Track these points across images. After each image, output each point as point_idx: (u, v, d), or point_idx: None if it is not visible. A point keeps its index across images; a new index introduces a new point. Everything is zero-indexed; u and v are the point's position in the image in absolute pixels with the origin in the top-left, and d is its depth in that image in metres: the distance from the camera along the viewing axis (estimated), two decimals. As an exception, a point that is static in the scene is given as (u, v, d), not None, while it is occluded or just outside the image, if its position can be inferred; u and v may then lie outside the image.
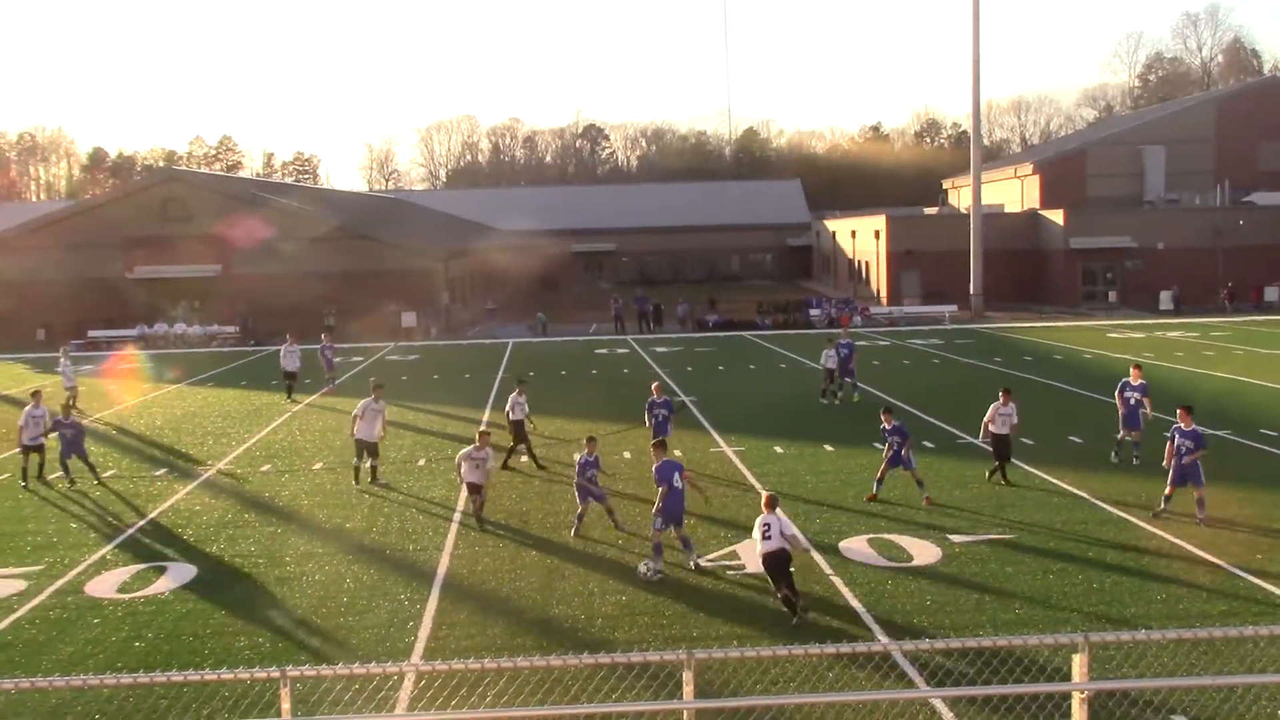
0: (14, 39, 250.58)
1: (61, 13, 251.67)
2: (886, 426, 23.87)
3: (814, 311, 71.20)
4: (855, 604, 17.14)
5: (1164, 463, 21.86)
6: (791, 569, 16.58)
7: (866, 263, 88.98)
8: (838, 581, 18.19)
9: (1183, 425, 21.44)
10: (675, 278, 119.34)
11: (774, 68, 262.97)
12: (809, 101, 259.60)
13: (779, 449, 29.09)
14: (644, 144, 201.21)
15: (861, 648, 13.65)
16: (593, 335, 65.91)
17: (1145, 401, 26.62)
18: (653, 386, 28.56)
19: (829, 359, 37.29)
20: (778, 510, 16.89)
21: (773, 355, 52.13)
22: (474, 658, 14.56)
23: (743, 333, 64.81)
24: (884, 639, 15.64)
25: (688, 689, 11.72)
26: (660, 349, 56.42)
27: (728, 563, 19.37)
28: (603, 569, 19.25)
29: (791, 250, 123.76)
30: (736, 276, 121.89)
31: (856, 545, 20.17)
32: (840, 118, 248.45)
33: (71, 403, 36.99)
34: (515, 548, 20.68)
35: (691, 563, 19.12)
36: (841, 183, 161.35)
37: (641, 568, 18.90)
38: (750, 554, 19.65)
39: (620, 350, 56.58)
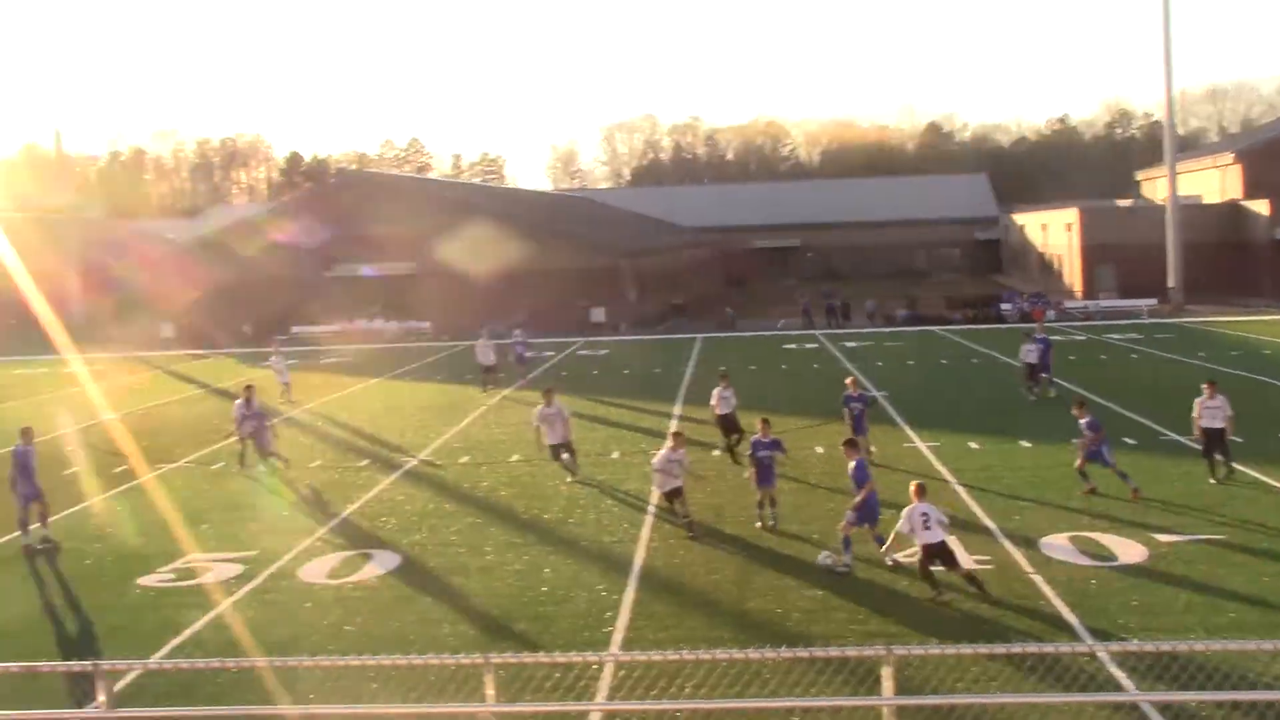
0: (216, 50, 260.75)
1: (256, 25, 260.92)
2: (1082, 420, 23.39)
3: (1005, 306, 69.73)
4: (1057, 603, 16.76)
5: None
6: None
7: (1058, 256, 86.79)
8: (1038, 580, 17.82)
9: None
10: (861, 273, 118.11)
11: (957, 60, 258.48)
12: (993, 94, 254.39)
13: (974, 445, 28.62)
14: (824, 140, 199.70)
15: (1066, 648, 13.40)
16: (780, 330, 65.69)
17: None
18: (847, 381, 28.31)
19: (1028, 354, 36.46)
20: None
21: (964, 350, 51.27)
22: (672, 649, 14.72)
23: (933, 328, 63.83)
24: (1089, 640, 15.27)
25: (887, 685, 11.66)
26: (850, 344, 55.96)
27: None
28: (798, 563, 19.20)
29: (979, 244, 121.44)
30: (923, 272, 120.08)
31: (1058, 543, 19.72)
32: (1026, 110, 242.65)
33: (286, 396, 38.84)
34: (710, 541, 20.76)
35: (888, 560, 18.96)
36: (1029, 176, 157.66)
37: (822, 557, 19.04)
38: (955, 552, 19.43)
39: (809, 345, 56.29)
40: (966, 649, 12.30)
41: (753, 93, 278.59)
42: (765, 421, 22.29)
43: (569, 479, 25.94)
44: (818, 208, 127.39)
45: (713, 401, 27.84)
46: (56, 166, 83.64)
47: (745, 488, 24.66)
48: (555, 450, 26.08)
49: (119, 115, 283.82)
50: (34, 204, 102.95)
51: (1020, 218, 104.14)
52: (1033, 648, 12.45)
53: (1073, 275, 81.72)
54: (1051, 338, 39.86)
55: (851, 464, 19.56)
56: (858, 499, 18.97)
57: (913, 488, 17.51)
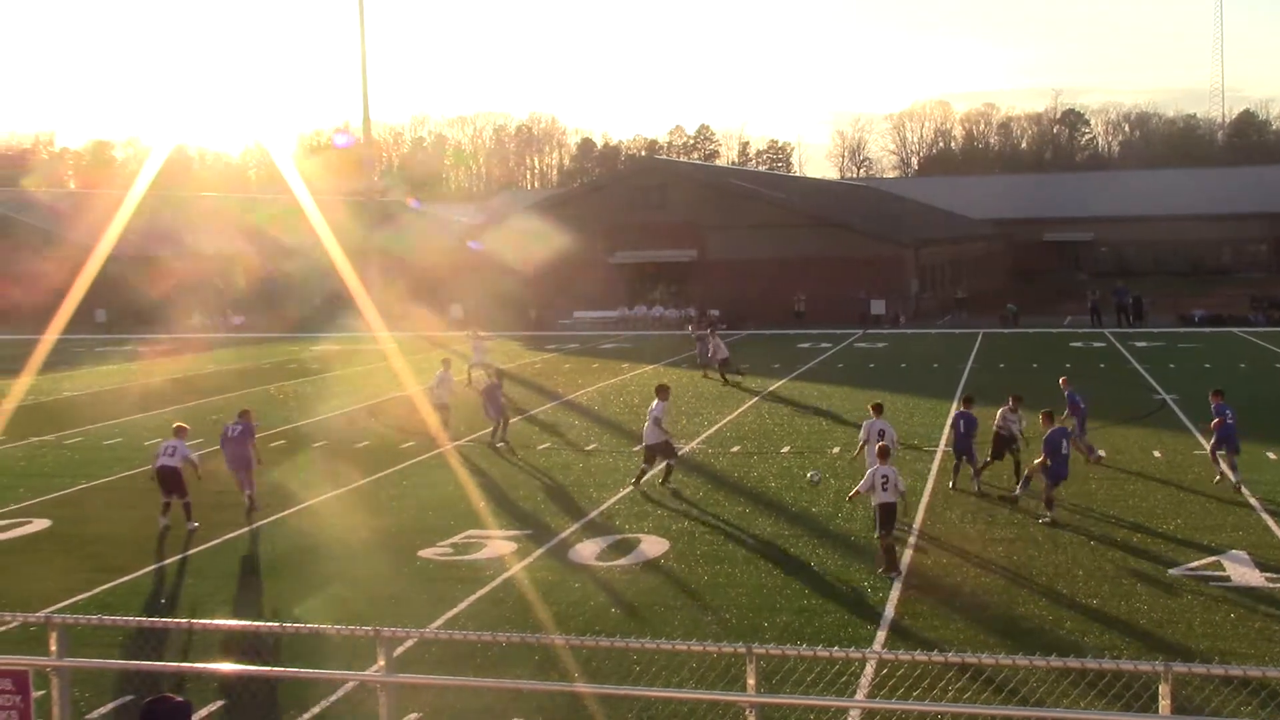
0: (516, 34, 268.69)
1: (553, 9, 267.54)
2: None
3: (1317, 308, 65.60)
4: (1358, 628, 15.74)
5: None
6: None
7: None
8: (1338, 602, 16.77)
9: None
10: (1156, 269, 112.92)
11: (1275, 42, 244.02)
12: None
13: (1271, 455, 27.07)
14: (1126, 129, 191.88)
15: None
16: (1066, 328, 63.54)
17: None
18: (1060, 380, 27.29)
19: None
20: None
21: (1268, 355, 48.48)
22: (936, 650, 14.47)
23: (1232, 329, 60.58)
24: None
25: (1164, 703, 11.15)
26: (1140, 344, 53.66)
27: (1211, 573, 18.24)
28: (1074, 571, 18.59)
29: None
30: (1225, 269, 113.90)
31: (1362, 564, 18.51)
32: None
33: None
34: (982, 542, 20.31)
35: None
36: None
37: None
38: (1237, 564, 18.53)
39: (1096, 344, 54.25)
40: (1254, 670, 11.66)
41: (1050, 76, 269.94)
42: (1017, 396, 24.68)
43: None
44: (1114, 200, 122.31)
45: (996, 422, 25.23)
46: (363, 150, 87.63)
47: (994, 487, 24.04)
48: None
49: (421, 100, 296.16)
50: (341, 187, 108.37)
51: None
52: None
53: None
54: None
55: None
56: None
57: (876, 449, 19.33)
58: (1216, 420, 24.02)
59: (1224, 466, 24.30)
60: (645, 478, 25.16)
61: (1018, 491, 23.00)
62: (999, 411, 24.64)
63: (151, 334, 67.20)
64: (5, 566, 20.39)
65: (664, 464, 25.28)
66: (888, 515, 18.48)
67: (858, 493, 19.17)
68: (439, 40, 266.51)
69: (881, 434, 21.79)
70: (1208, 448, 25.09)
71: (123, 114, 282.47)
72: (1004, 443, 24.32)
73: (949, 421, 26.15)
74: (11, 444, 32.18)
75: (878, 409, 23.26)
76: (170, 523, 22.47)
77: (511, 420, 31.25)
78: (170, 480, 22.35)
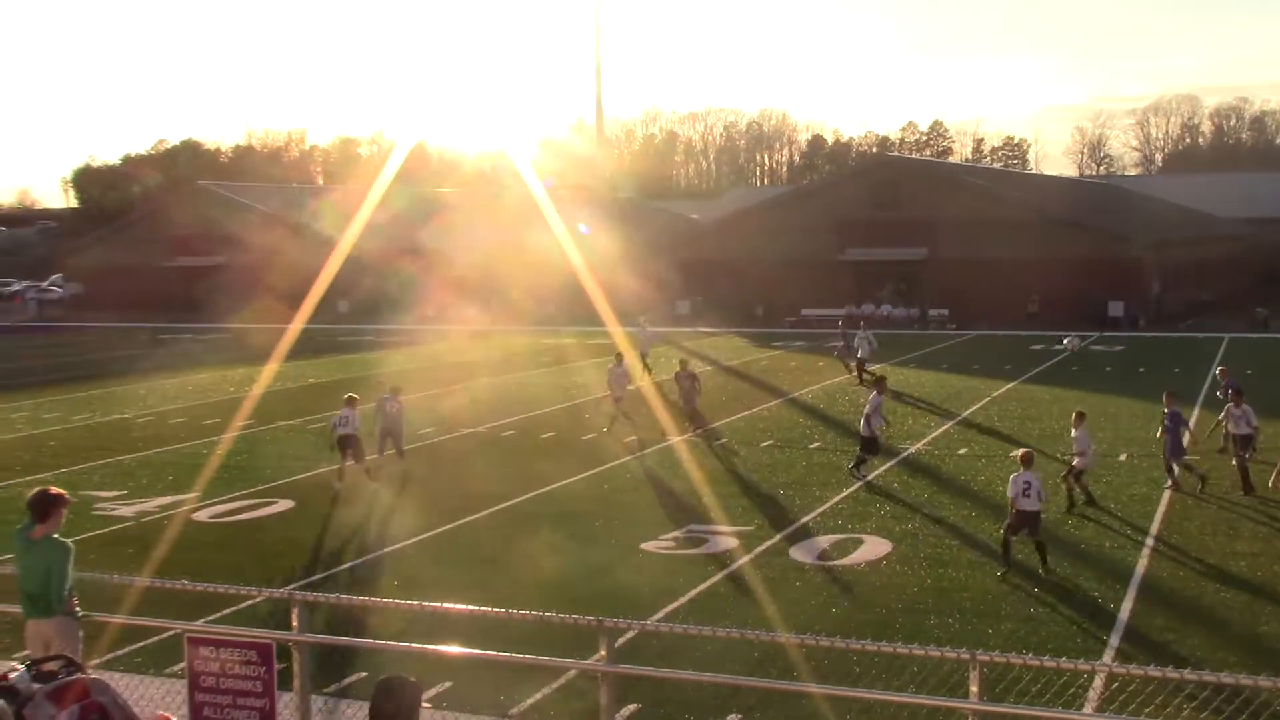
0: (747, 29, 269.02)
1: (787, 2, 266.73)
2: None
3: None
4: None
5: None
6: None
7: None
8: None
9: None
10: None
11: None
12: None
13: None
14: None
15: None
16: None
17: None
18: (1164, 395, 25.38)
19: None
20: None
21: None
22: (1171, 666, 13.93)
23: None
24: None
25: None
26: None
27: None
28: (1323, 589, 17.69)
29: None
30: None
31: None
32: None
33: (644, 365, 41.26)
34: (1222, 556, 19.47)
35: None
36: None
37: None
38: None
39: (1354, 351, 51.36)
40: None
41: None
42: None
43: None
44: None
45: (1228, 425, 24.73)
46: (596, 145, 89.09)
47: (1266, 504, 22.98)
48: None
49: (652, 95, 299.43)
50: (574, 181, 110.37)
51: None
52: None
53: None
54: None
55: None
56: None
57: (1019, 455, 18.93)
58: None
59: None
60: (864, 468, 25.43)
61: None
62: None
63: (389, 325, 69.60)
64: (251, 544, 21.43)
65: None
66: (1024, 521, 18.49)
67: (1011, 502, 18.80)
68: (670, 36, 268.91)
69: (1027, 487, 18.57)
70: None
71: (368, 112, 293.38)
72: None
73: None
74: (260, 428, 33.79)
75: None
76: (343, 486, 24.99)
77: (735, 416, 31.32)
78: (348, 446, 25.34)
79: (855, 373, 42.27)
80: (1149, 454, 27.33)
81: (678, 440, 30.49)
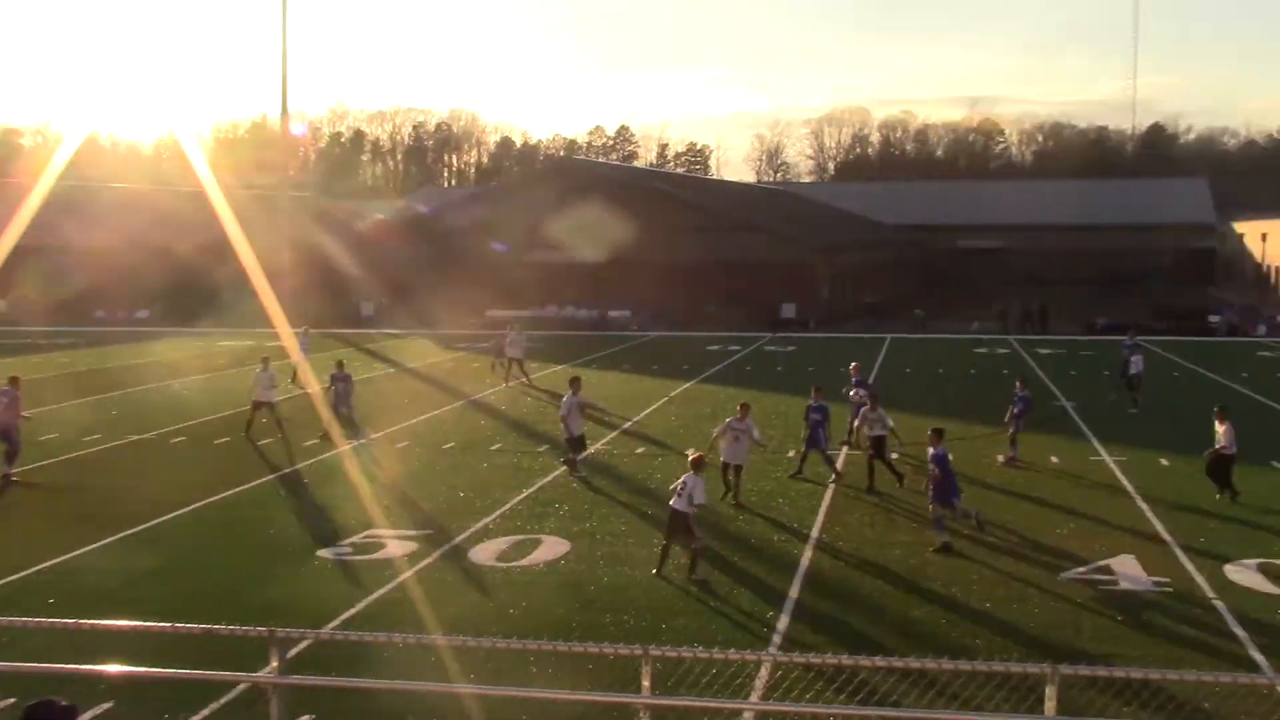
0: (432, 31, 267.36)
1: (471, 5, 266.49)
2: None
3: (1214, 318, 67.05)
4: (1239, 631, 16.12)
5: None
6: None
7: (1276, 269, 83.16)
8: (1220, 606, 17.16)
9: None
10: (1064, 277, 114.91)
11: (1185, 58, 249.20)
12: (1222, 96, 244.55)
13: (1165, 461, 27.69)
14: (1040, 139, 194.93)
15: (1245, 679, 12.83)
16: (974, 334, 64.42)
17: None
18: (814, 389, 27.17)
19: (1136, 364, 36.55)
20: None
21: (1166, 363, 49.47)
22: (831, 653, 14.61)
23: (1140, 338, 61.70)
24: (1269, 673, 14.64)
25: (1049, 704, 11.35)
26: (1043, 350, 54.57)
27: (1099, 577, 18.60)
28: (969, 572, 18.87)
29: (1193, 253, 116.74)
30: (1131, 279, 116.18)
31: (1245, 569, 18.93)
32: (1257, 113, 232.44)
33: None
34: (879, 546, 20.54)
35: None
36: (1255, 184, 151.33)
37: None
38: (1125, 568, 18.91)
39: (1001, 350, 55.07)
40: (1136, 673, 11.91)
41: (964, 85, 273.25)
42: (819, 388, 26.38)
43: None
44: (1025, 209, 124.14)
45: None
46: (280, 144, 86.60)
47: (917, 497, 24.34)
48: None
49: (339, 93, 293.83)
50: (255, 180, 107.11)
51: (1241, 226, 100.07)
52: (1208, 676, 11.94)
53: (1290, 288, 78.31)
54: (1260, 353, 38.29)
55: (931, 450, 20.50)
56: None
57: (691, 458, 19.16)
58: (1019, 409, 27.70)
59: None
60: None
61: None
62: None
63: (54, 326, 65.96)
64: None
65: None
66: (673, 521, 18.75)
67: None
68: (359, 33, 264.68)
69: (682, 488, 18.81)
70: (1010, 432, 27.84)
71: (33, 100, 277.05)
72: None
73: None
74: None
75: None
76: None
77: (417, 419, 31.07)
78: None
79: (504, 374, 42.23)
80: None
81: (356, 444, 30.01)
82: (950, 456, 20.72)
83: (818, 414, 25.66)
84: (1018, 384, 29.07)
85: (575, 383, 27.33)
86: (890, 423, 25.36)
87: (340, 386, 32.21)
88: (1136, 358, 36.64)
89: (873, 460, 24.87)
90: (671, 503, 18.83)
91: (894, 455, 26.01)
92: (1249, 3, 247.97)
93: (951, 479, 20.40)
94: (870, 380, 28.85)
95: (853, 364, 31.14)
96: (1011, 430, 27.82)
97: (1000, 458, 27.79)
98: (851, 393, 28.71)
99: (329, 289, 73.11)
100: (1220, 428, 23.63)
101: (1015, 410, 27.89)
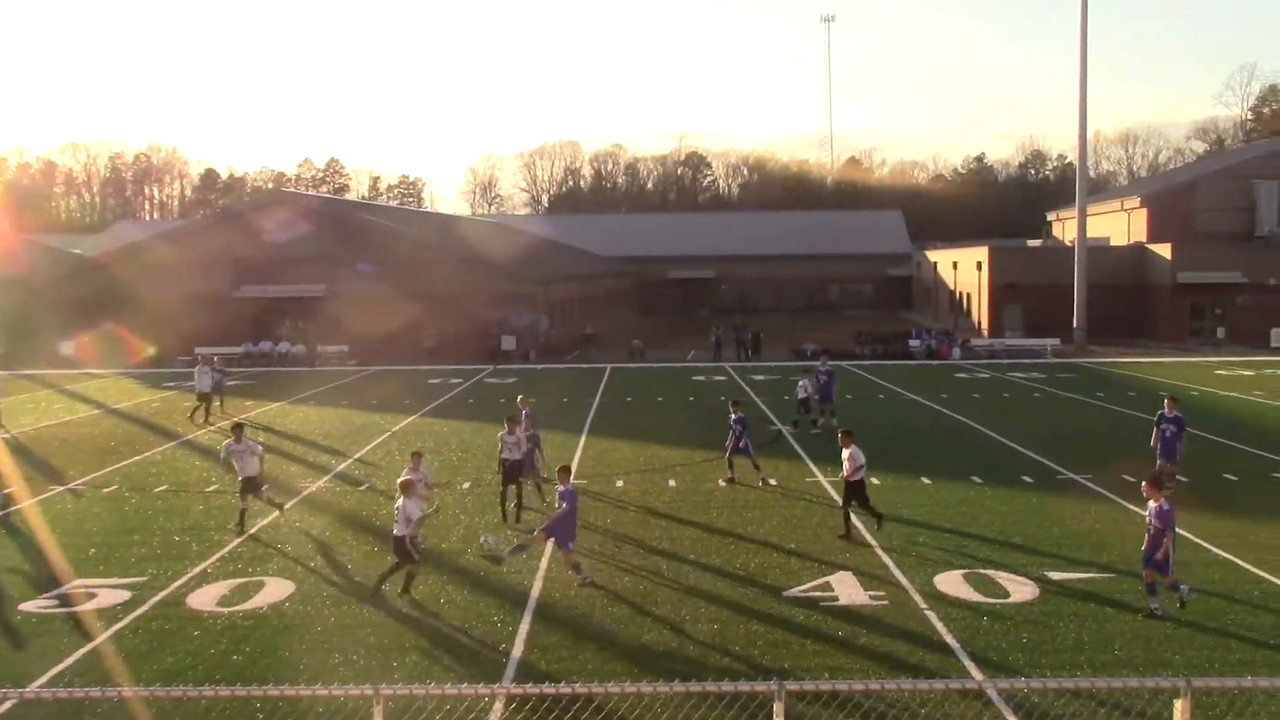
0: (133, 58, 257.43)
1: (174, 33, 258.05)
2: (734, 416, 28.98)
3: (914, 343, 70.57)
4: (950, 640, 16.92)
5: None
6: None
7: (968, 294, 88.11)
8: (931, 616, 17.98)
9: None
10: (775, 306, 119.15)
11: (878, 96, 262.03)
12: (912, 131, 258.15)
13: (875, 480, 28.78)
14: (745, 172, 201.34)
15: (956, 684, 13.49)
16: (690, 362, 65.88)
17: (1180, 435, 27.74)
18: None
19: (804, 388, 38.38)
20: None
21: (871, 386, 51.72)
22: (565, 682, 14.62)
23: (841, 363, 64.31)
24: (979, 676, 15.42)
25: (778, 720, 11.64)
26: (758, 377, 56.24)
27: (820, 594, 19.23)
28: (696, 596, 19.20)
29: (892, 280, 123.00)
30: (836, 306, 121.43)
31: (952, 580, 19.92)
32: (944, 148, 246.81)
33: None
34: (609, 572, 20.69)
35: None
36: (944, 213, 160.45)
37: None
38: (844, 584, 19.58)
39: (718, 377, 56.48)
40: (859, 684, 12.32)
41: (675, 121, 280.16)
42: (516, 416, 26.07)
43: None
44: (734, 240, 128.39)
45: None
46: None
47: (644, 521, 24.69)
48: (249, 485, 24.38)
49: (29, 124, 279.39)
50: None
51: (933, 255, 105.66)
52: (924, 684, 12.52)
53: (981, 313, 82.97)
54: (957, 375, 40.38)
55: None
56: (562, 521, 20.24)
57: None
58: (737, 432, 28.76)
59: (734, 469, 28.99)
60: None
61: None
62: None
63: None
64: None
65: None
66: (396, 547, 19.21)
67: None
68: (50, 66, 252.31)
69: (398, 512, 19.33)
70: (727, 455, 29.14)
71: None
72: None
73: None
74: None
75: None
76: None
77: (127, 462, 29.64)
78: None
79: (203, 413, 41.34)
80: (545, 480, 28.57)
81: (59, 491, 28.46)
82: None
83: (531, 441, 26.31)
84: (731, 406, 30.18)
85: (238, 429, 25.12)
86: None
87: None
88: (805, 381, 38.53)
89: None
90: (395, 530, 19.13)
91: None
92: (940, 44, 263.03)
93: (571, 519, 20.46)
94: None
95: (521, 397, 31.40)
96: (729, 454, 28.83)
97: (722, 481, 28.52)
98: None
99: (23, 329, 69.32)
100: (846, 452, 23.34)
101: (735, 433, 28.69)
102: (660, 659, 16.34)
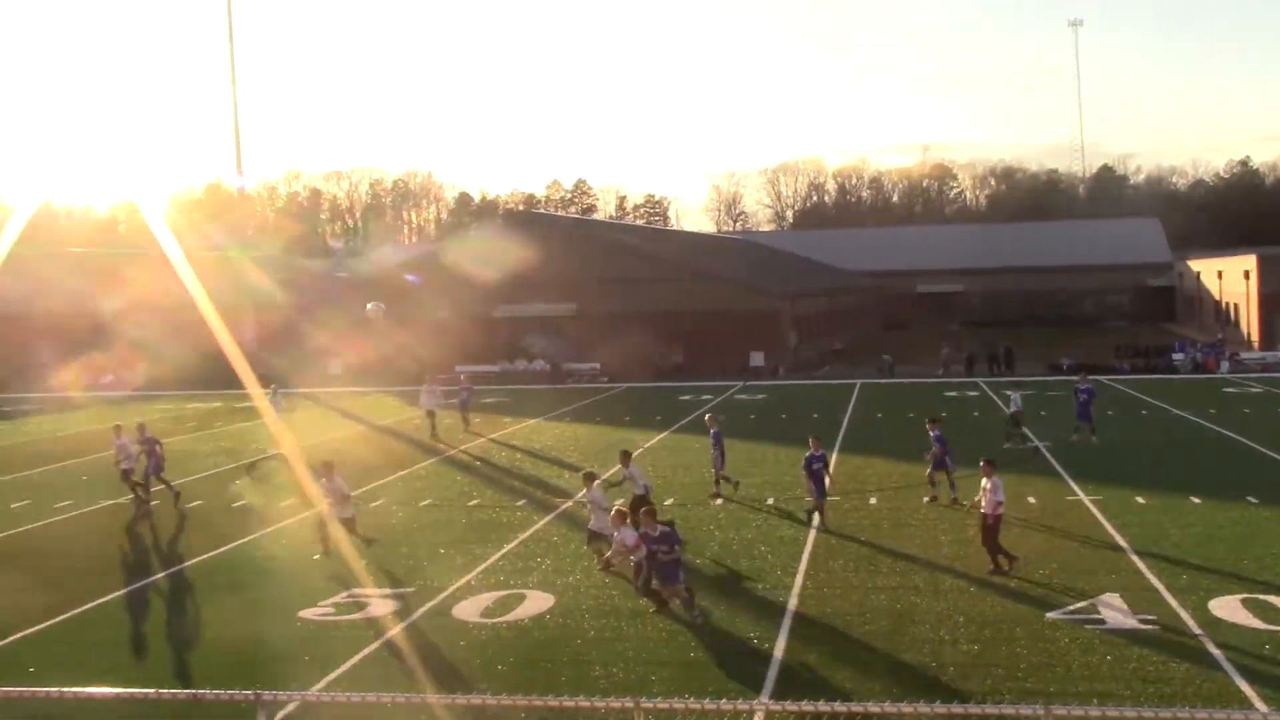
0: (390, 90, 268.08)
1: (430, 65, 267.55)
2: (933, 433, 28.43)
3: (1177, 356, 67.64)
4: (1229, 668, 16.14)
5: None
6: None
7: (1234, 305, 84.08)
8: (1207, 643, 17.19)
9: None
10: (1026, 319, 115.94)
11: (1130, 101, 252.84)
12: (1168, 136, 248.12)
13: (1140, 499, 27.77)
14: (993, 183, 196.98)
15: (1239, 715, 12.85)
16: (941, 378, 64.69)
17: None
18: (810, 439, 26.90)
19: (1014, 402, 37.89)
20: None
21: (1133, 402, 49.84)
22: (823, 699, 14.54)
23: (1099, 377, 62.12)
24: (1263, 708, 14.67)
25: (1047, 745, 11.33)
26: (1011, 392, 54.74)
27: (1085, 616, 18.62)
28: (956, 616, 18.84)
29: (1151, 291, 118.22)
30: (1091, 319, 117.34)
31: (1229, 605, 19.00)
32: (1204, 153, 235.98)
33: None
34: (865, 591, 20.51)
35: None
36: (1205, 221, 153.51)
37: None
38: (1111, 606, 18.94)
39: (970, 393, 55.33)
40: (1130, 711, 11.88)
41: (920, 133, 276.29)
42: (816, 438, 26.43)
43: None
44: (983, 252, 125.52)
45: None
46: (238, 204, 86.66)
47: (900, 534, 24.36)
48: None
49: (296, 156, 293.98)
50: (215, 241, 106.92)
51: (1195, 264, 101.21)
52: (1201, 714, 11.95)
53: (1250, 325, 79.06)
54: (1226, 390, 38.61)
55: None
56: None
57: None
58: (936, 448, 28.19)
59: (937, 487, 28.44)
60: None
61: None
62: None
63: (14, 394, 65.41)
64: None
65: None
66: None
67: None
68: (313, 95, 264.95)
69: None
70: (927, 473, 28.69)
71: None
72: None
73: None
74: None
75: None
76: None
77: (393, 476, 30.85)
78: None
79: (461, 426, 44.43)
80: (794, 497, 28.55)
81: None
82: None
83: (819, 462, 25.74)
84: (929, 423, 29.53)
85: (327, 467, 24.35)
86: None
87: (149, 447, 30.56)
88: (1015, 394, 38.36)
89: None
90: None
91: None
92: (1190, 44, 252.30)
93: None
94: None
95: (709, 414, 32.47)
96: (936, 470, 28.47)
97: (925, 498, 28.21)
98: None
99: (295, 348, 72.77)
100: (986, 483, 21.92)
101: (935, 450, 28.36)
102: (919, 678, 16.10)
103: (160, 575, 23.11)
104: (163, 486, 30.43)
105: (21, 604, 21.19)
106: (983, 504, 21.81)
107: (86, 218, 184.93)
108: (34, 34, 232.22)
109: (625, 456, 25.60)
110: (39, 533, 27.76)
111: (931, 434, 28.62)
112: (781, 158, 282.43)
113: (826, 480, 26.13)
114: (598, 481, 23.44)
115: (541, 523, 26.91)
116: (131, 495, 30.28)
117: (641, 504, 22.60)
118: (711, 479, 30.01)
